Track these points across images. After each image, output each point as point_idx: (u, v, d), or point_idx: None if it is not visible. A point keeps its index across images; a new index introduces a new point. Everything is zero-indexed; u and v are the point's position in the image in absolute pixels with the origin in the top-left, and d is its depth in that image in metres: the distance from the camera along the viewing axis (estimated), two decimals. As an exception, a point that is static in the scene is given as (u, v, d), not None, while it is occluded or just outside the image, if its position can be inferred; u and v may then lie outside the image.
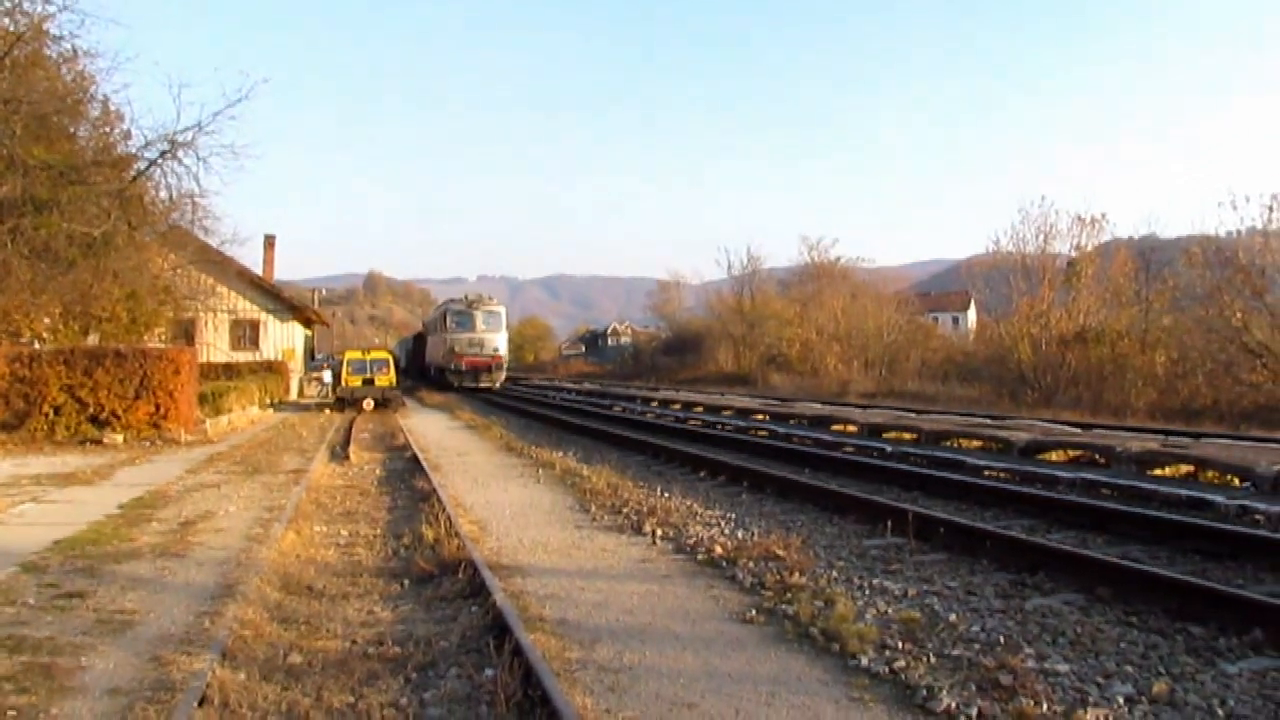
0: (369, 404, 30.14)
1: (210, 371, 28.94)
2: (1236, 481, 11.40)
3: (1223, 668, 5.32)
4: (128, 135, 22.25)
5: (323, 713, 4.79)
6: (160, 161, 21.19)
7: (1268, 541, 8.01)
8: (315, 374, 41.01)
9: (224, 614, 6.26)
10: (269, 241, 43.74)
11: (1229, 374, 29.87)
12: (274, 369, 34.92)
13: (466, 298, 46.31)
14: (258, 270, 40.61)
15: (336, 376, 33.73)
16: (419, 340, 63.08)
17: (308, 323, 45.13)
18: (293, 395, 38.26)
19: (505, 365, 46.25)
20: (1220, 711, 4.69)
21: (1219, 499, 10.02)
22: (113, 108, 22.33)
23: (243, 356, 36.28)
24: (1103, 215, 39.11)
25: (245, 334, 38.39)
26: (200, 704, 4.67)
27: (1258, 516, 9.42)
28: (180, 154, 21.04)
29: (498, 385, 44.35)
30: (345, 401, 30.54)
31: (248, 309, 38.52)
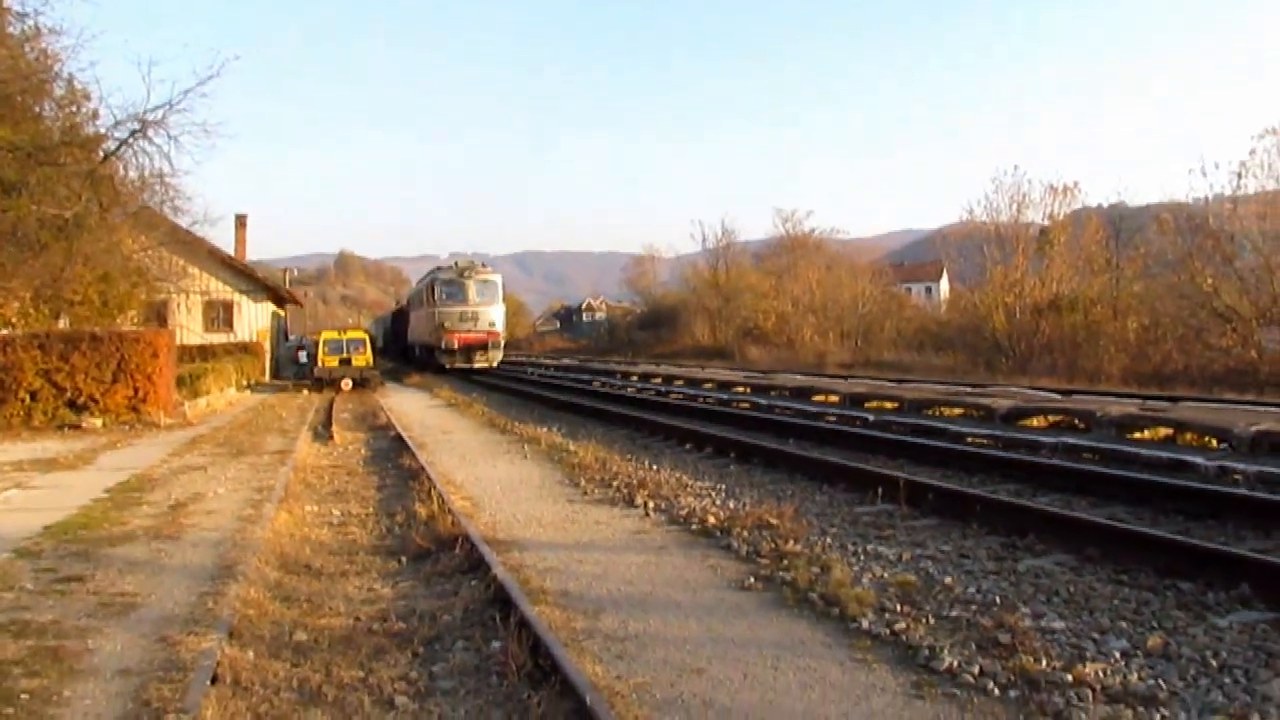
0: (347, 384, 30.07)
1: (184, 354, 28.69)
2: (1214, 443, 11.63)
3: (1213, 621, 5.46)
4: (95, 114, 21.96)
5: (335, 688, 4.82)
6: (131, 141, 20.93)
7: (1247, 500, 8.22)
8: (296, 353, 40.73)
9: (226, 594, 6.27)
10: (240, 221, 43.14)
11: (1199, 339, 30.37)
12: (250, 350, 34.66)
13: (457, 265, 40.03)
14: (229, 250, 40.18)
15: (312, 357, 33.58)
16: (399, 317, 57.92)
17: (281, 303, 44.78)
18: (268, 376, 38.02)
19: (502, 342, 40.65)
20: (1214, 662, 4.82)
21: (1199, 460, 10.22)
22: (79, 86, 21.93)
23: (217, 338, 35.98)
24: (1075, 184, 39.58)
25: (219, 315, 38.01)
26: (213, 682, 4.70)
27: (1237, 476, 9.62)
28: (151, 133, 20.77)
29: (495, 365, 39.18)
30: (323, 382, 30.45)
31: (221, 290, 38.13)
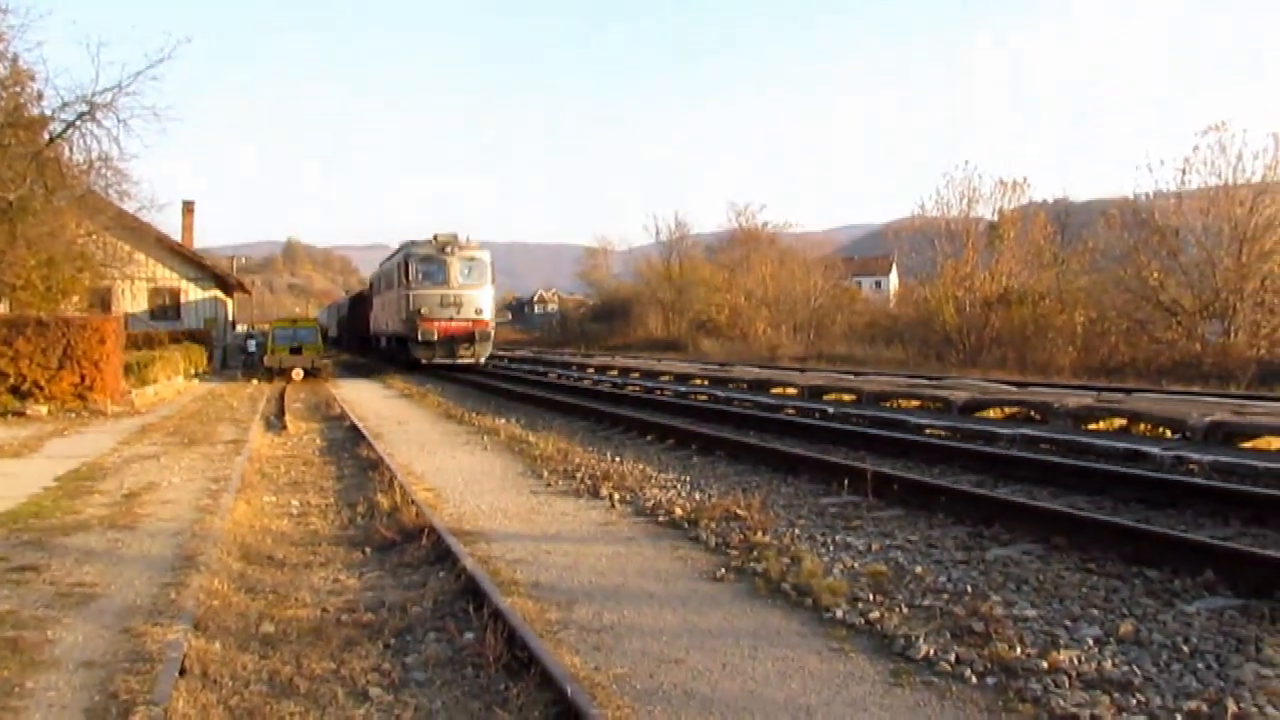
0: (298, 373, 29.66)
1: (130, 341, 28.08)
2: (1169, 433, 11.86)
3: (1182, 608, 5.55)
4: (40, 96, 21.41)
5: (306, 679, 4.72)
6: (78, 123, 20.45)
7: (1204, 488, 8.39)
8: (246, 342, 40.00)
9: (188, 585, 6.11)
10: (188, 207, 42.35)
11: (1145, 332, 30.99)
12: (197, 338, 34.02)
13: (436, 239, 32.68)
14: (176, 237, 39.39)
15: (261, 346, 33.05)
16: (358, 304, 50.65)
17: (228, 291, 43.96)
18: (217, 365, 37.37)
19: (492, 333, 33.82)
20: (1185, 648, 4.89)
21: (1154, 450, 10.41)
22: (24, 66, 21.35)
23: (163, 326, 35.29)
24: (1024, 179, 40.15)
25: (165, 302, 37.29)
26: (181, 674, 4.57)
27: (1192, 466, 9.82)
28: (99, 116, 20.33)
29: (482, 360, 33.14)
30: (273, 371, 30.02)
31: (167, 277, 37.45)
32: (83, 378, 18.07)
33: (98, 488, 10.03)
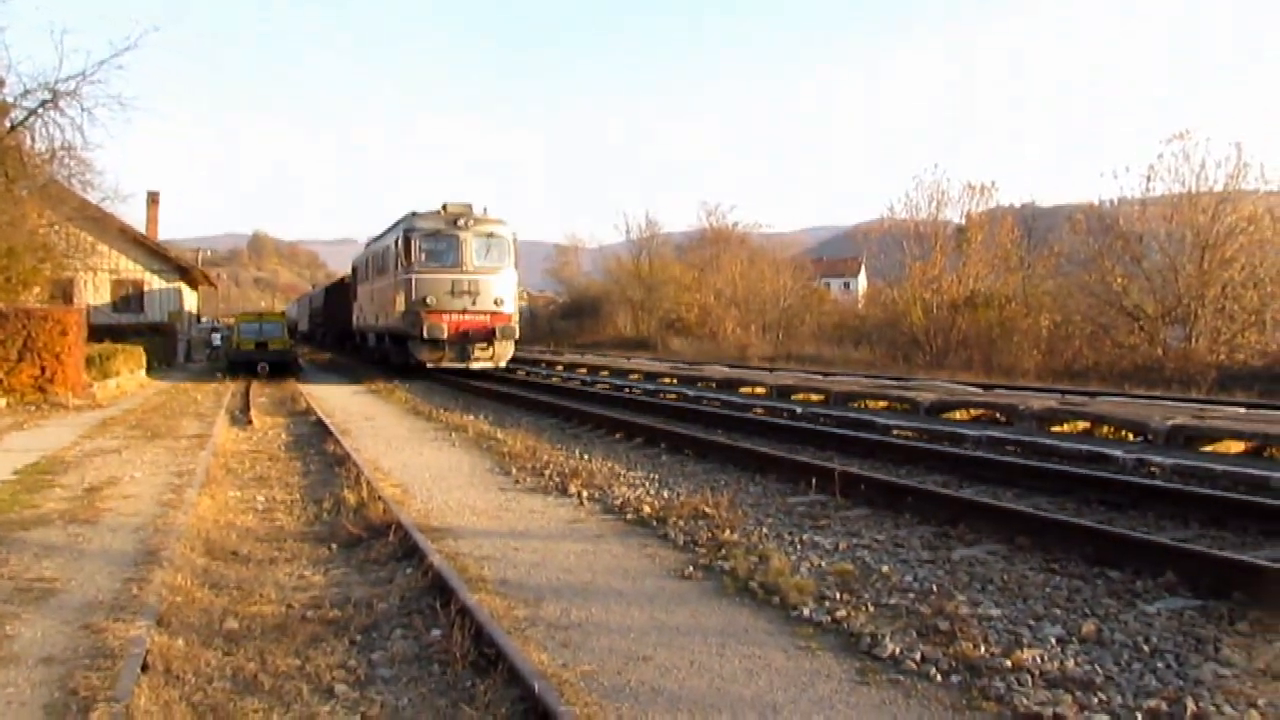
0: (263, 368, 29.40)
1: (92, 334, 27.67)
2: (1131, 436, 12.03)
3: (1143, 608, 5.63)
4: (1, 82, 21.05)
5: (270, 676, 4.68)
6: (40, 111, 20.14)
7: (1165, 490, 8.52)
8: (211, 336, 39.51)
9: (151, 580, 6.04)
10: (152, 198, 41.75)
11: (1108, 336, 31.38)
12: (161, 331, 33.60)
13: (446, 210, 26.20)
14: (140, 228, 38.86)
15: (227, 340, 32.71)
16: (335, 294, 44.33)
17: (193, 284, 43.44)
18: (181, 359, 36.94)
19: (515, 329, 26.88)
20: (1146, 648, 4.96)
21: (1118, 453, 10.55)
22: (-18, 52, 21.03)
23: (126, 318, 34.83)
24: (992, 183, 40.56)
25: (129, 295, 36.78)
26: (143, 670, 4.52)
27: (1154, 468, 9.96)
28: (63, 104, 20.04)
29: (503, 364, 26.87)
30: (238, 366, 29.74)
31: (131, 269, 36.89)
32: (43, 370, 17.85)
33: (58, 481, 9.90)
